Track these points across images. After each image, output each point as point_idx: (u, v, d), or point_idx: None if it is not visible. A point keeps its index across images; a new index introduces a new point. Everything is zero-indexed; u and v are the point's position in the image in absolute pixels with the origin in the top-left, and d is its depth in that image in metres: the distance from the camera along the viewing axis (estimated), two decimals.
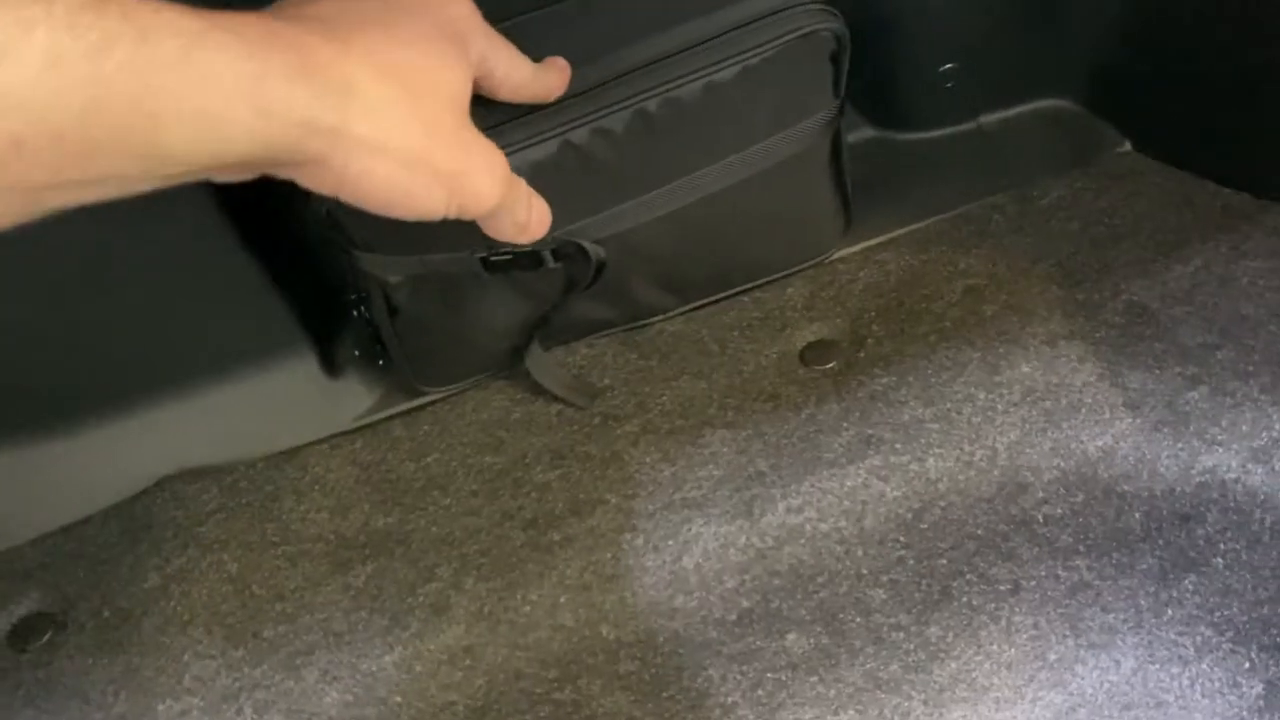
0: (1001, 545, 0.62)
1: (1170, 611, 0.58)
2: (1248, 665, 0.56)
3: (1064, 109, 0.84)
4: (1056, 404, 0.66)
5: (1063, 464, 0.64)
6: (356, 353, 0.75)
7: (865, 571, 0.62)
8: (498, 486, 0.68)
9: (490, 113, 0.54)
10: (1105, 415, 0.65)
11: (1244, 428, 0.63)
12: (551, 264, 0.63)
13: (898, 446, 0.65)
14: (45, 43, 0.29)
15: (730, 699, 0.58)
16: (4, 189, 0.31)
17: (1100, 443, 0.64)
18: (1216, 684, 0.55)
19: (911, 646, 0.58)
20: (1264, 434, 0.62)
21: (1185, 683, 0.56)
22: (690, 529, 0.64)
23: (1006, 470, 0.64)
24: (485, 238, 0.49)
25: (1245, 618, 0.57)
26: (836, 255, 0.76)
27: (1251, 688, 0.55)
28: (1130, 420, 0.64)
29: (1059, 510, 0.63)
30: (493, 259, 0.62)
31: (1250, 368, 0.65)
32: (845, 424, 0.67)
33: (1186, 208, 0.75)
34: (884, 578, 0.61)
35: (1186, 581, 0.59)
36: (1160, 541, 0.61)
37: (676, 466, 0.67)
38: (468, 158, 0.43)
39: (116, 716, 0.61)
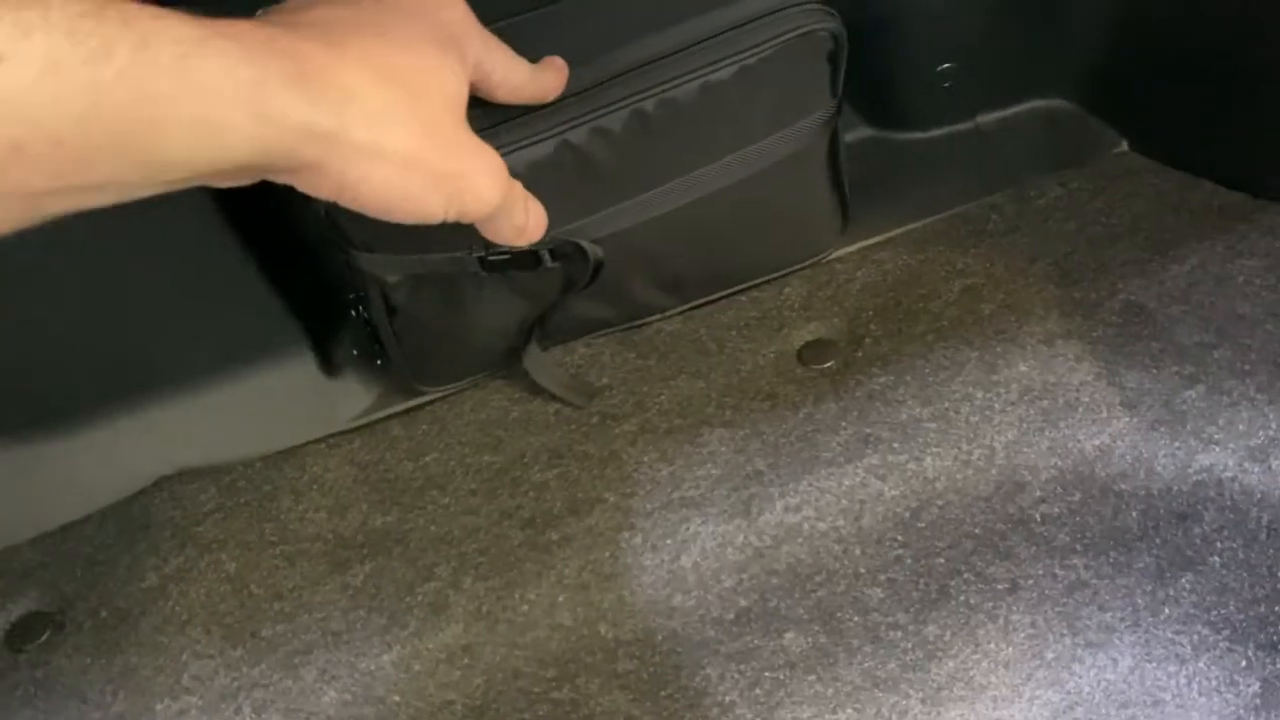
0: (999, 544, 0.62)
1: (1167, 610, 0.58)
2: (1244, 663, 0.56)
3: (1061, 109, 0.84)
4: (1054, 403, 0.66)
5: (1060, 463, 0.64)
6: (355, 352, 0.75)
7: (863, 570, 0.62)
8: (496, 486, 0.68)
9: (487, 113, 0.54)
10: (1102, 414, 0.65)
11: (1241, 427, 0.63)
12: (549, 263, 0.63)
13: (895, 445, 0.66)
14: (44, 48, 0.29)
15: (728, 698, 0.58)
16: (3, 194, 0.31)
17: (1097, 442, 0.64)
18: (1213, 682, 0.55)
19: (909, 645, 0.58)
20: (1260, 433, 0.62)
21: (1182, 681, 0.56)
22: (688, 528, 0.64)
23: (1004, 469, 0.64)
24: (483, 237, 0.49)
25: (1242, 616, 0.57)
26: (834, 255, 0.76)
27: (1248, 686, 0.55)
28: (1127, 419, 0.65)
29: (1056, 509, 0.63)
30: (491, 258, 0.62)
31: (1247, 367, 0.65)
32: (843, 423, 0.67)
33: (1183, 207, 0.75)
34: (882, 576, 0.62)
35: (1183, 580, 0.59)
36: (1157, 540, 0.61)
37: (674, 465, 0.67)
38: (466, 161, 0.44)
39: (115, 716, 0.61)
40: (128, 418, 0.71)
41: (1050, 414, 0.65)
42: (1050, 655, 0.57)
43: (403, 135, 0.40)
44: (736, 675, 0.59)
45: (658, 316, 0.74)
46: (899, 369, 0.69)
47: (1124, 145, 0.81)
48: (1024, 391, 0.67)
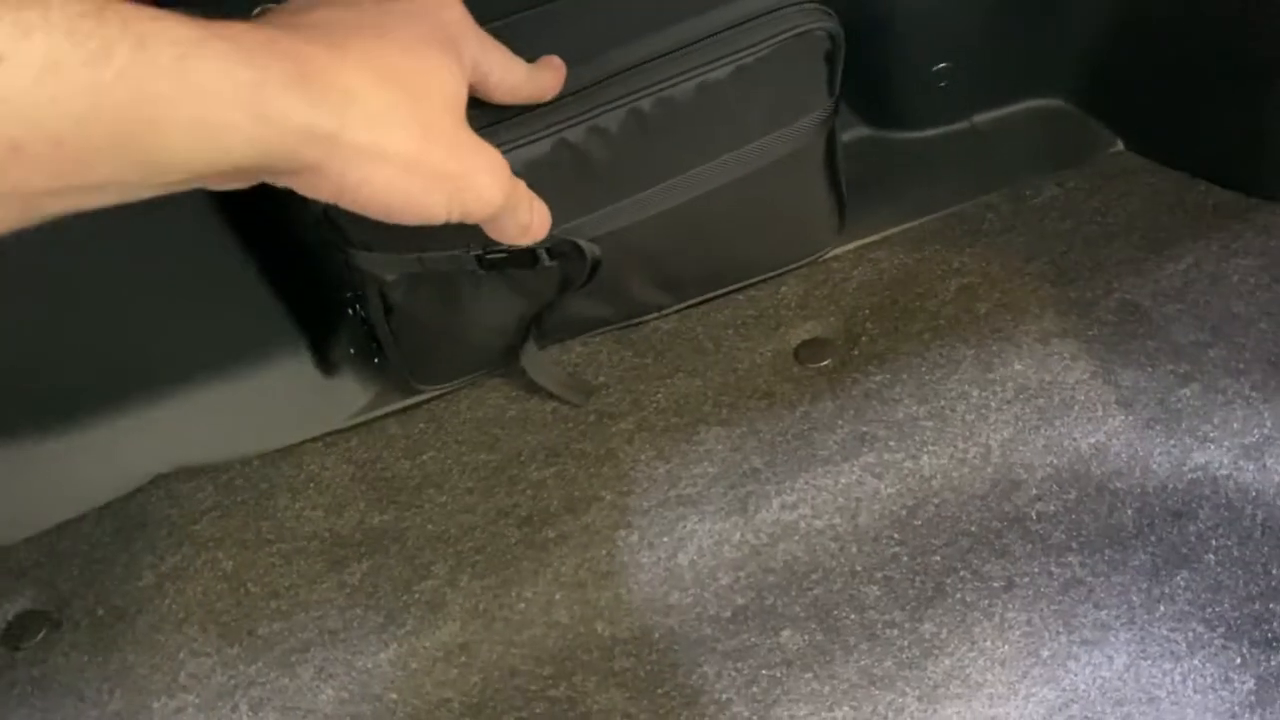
0: (995, 542, 0.62)
1: (1162, 608, 0.58)
2: (1239, 661, 0.56)
3: (1057, 108, 0.84)
4: (1049, 401, 0.66)
5: (1056, 461, 0.64)
6: (352, 351, 0.75)
7: (859, 568, 0.62)
8: (493, 484, 0.68)
9: (484, 112, 0.54)
10: (1098, 413, 0.65)
11: (1235, 425, 0.63)
12: (547, 262, 0.63)
13: (892, 444, 0.66)
14: (44, 48, 0.29)
15: (725, 696, 0.58)
16: (2, 194, 0.31)
17: (1093, 440, 0.64)
18: (1208, 679, 0.56)
19: (906, 643, 0.59)
20: (1255, 431, 0.63)
21: (1177, 678, 0.56)
22: (685, 526, 0.64)
23: (1000, 467, 0.65)
24: (481, 235, 0.49)
25: (1237, 613, 0.57)
26: (831, 254, 0.76)
27: (1243, 683, 0.55)
28: (1123, 417, 0.65)
29: (1052, 507, 0.63)
30: (488, 257, 0.62)
31: (1242, 365, 0.65)
32: (840, 421, 0.67)
33: (1178, 206, 0.76)
34: (878, 574, 0.62)
35: (1178, 578, 0.59)
36: (1152, 538, 0.61)
37: (671, 464, 0.67)
38: (467, 161, 0.44)
39: (112, 714, 0.61)
40: (124, 416, 0.71)
41: (1046, 412, 0.66)
42: (1046, 653, 0.57)
43: (403, 137, 0.40)
44: (733, 673, 0.59)
45: (655, 315, 0.74)
46: (895, 368, 0.69)
47: (1119, 145, 0.81)
48: (1020, 390, 0.67)
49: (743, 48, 0.62)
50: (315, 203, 0.60)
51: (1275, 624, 0.57)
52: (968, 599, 0.60)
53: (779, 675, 0.58)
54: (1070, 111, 0.84)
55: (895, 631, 0.59)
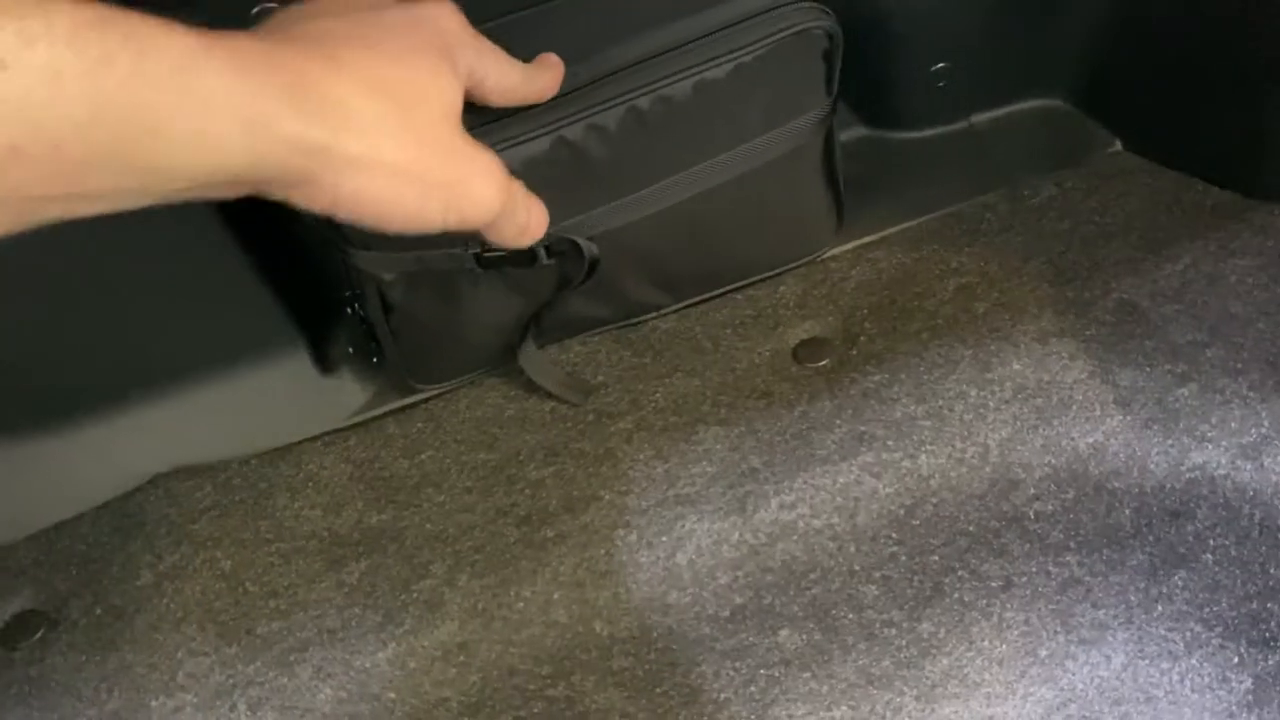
0: (993, 542, 0.62)
1: (1160, 607, 0.58)
2: (1237, 660, 0.56)
3: (1055, 108, 0.84)
4: (1048, 401, 0.66)
5: (1054, 461, 0.64)
6: (350, 350, 0.75)
7: (858, 568, 0.62)
8: (491, 483, 0.68)
9: (482, 111, 0.54)
10: (1096, 412, 0.65)
11: (1233, 425, 0.63)
12: (545, 260, 0.63)
13: (890, 443, 0.66)
14: (46, 57, 0.30)
15: (723, 695, 0.58)
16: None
17: (1091, 439, 0.65)
18: (1206, 679, 0.56)
19: (903, 643, 0.59)
20: (1253, 431, 0.63)
21: (1175, 678, 0.56)
22: (683, 525, 0.64)
23: (998, 467, 0.65)
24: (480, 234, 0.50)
25: (1234, 613, 0.57)
26: (829, 253, 0.76)
27: (1240, 682, 0.55)
28: (1121, 417, 0.65)
29: (1050, 507, 0.63)
30: (486, 255, 0.62)
31: (1239, 365, 0.66)
32: (838, 421, 0.67)
33: (1176, 207, 0.76)
34: (876, 574, 0.62)
35: (1176, 577, 0.59)
36: (1150, 538, 0.61)
37: (670, 463, 0.67)
38: (462, 167, 0.44)
39: (109, 714, 0.61)
40: (123, 415, 0.71)
41: (1044, 412, 0.66)
42: (1044, 652, 0.57)
43: (397, 146, 0.41)
44: (731, 672, 0.59)
45: (653, 315, 0.75)
46: (894, 367, 0.69)
47: (1118, 145, 0.82)
48: (1018, 390, 0.67)
49: (741, 46, 0.62)
50: None
51: (1273, 623, 0.57)
52: (966, 598, 0.60)
53: (777, 674, 0.58)
54: (1068, 111, 0.84)
55: (893, 631, 0.59)
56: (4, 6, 0.29)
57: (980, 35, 0.79)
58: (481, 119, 0.55)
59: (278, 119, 0.36)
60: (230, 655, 0.62)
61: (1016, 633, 0.58)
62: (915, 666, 0.58)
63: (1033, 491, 0.64)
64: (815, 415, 0.68)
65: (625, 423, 0.70)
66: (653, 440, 0.68)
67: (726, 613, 0.61)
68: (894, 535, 0.63)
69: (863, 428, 0.67)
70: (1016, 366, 0.68)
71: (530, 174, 0.51)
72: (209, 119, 0.34)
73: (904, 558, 0.62)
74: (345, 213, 0.41)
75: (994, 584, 0.60)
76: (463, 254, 0.62)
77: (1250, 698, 0.55)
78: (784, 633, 0.60)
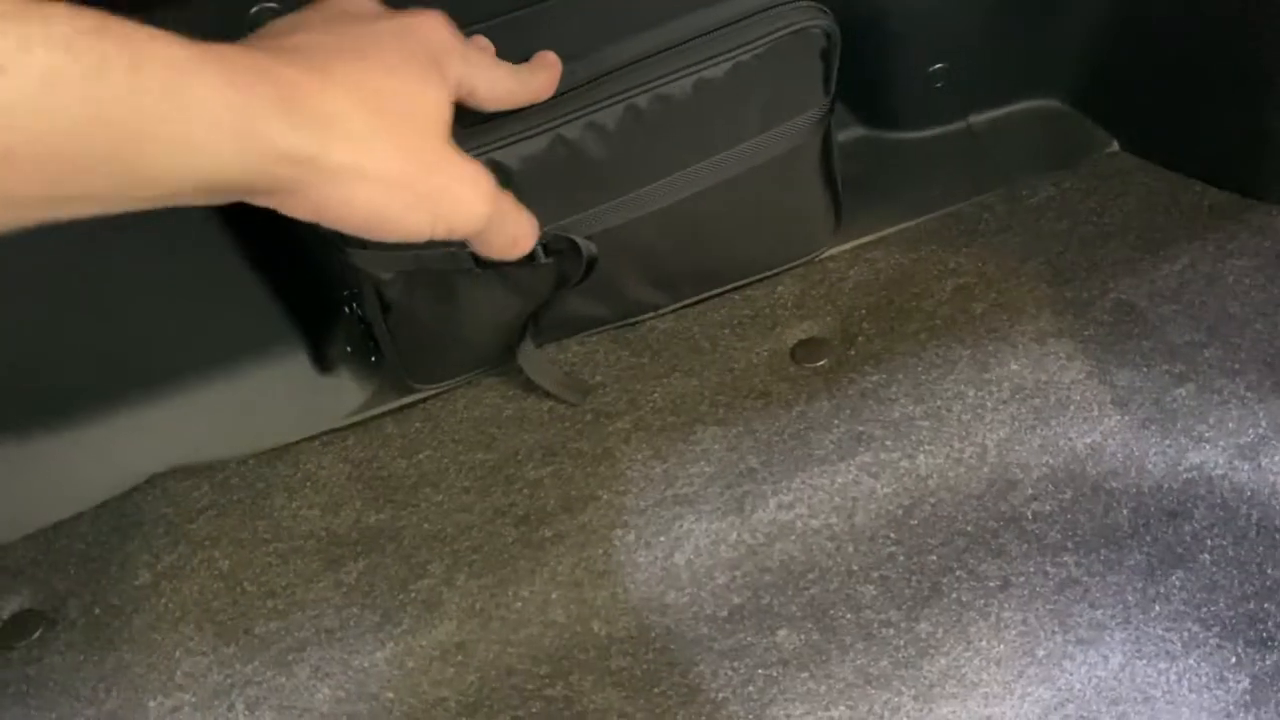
0: (991, 542, 0.62)
1: (1158, 607, 0.58)
2: (1234, 660, 0.56)
3: (1053, 109, 0.84)
4: (1045, 401, 0.66)
5: (1051, 461, 0.64)
6: (348, 349, 0.75)
7: (856, 568, 0.62)
8: (489, 483, 0.68)
9: (479, 111, 0.54)
10: (1094, 412, 0.65)
11: (1231, 425, 0.63)
12: (543, 259, 0.63)
13: (888, 443, 0.66)
14: (44, 62, 0.30)
15: (721, 695, 0.58)
16: None
17: (1089, 440, 0.65)
18: (1203, 679, 0.56)
19: (901, 643, 0.59)
20: (1250, 431, 0.63)
21: (1172, 678, 0.56)
22: (682, 525, 0.64)
23: (996, 467, 0.65)
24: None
25: (1232, 613, 0.58)
26: (827, 253, 0.76)
27: (1238, 682, 0.55)
28: (1118, 417, 0.65)
29: (1048, 507, 0.63)
30: None
31: (1237, 365, 0.66)
32: (836, 421, 0.67)
33: (1174, 207, 0.76)
34: (874, 574, 0.62)
35: (1174, 577, 0.59)
36: (1148, 538, 0.61)
37: (668, 463, 0.67)
38: (450, 178, 0.44)
39: (107, 713, 0.61)
40: (121, 415, 0.71)
41: (1042, 412, 0.66)
42: (1041, 652, 0.57)
43: (383, 157, 0.41)
44: (729, 672, 0.59)
45: (651, 314, 0.75)
46: (892, 367, 0.69)
47: (1115, 145, 0.82)
48: (1016, 390, 0.67)
49: (739, 45, 0.62)
50: None
51: (1270, 623, 0.57)
52: (964, 598, 0.60)
53: (775, 674, 0.58)
54: (1067, 112, 0.84)
55: (891, 631, 0.59)
56: (4, 11, 0.29)
57: (979, 35, 0.79)
58: (478, 119, 0.55)
59: (268, 129, 0.37)
60: (228, 655, 0.62)
61: (1014, 633, 0.58)
62: (913, 666, 0.58)
63: (1030, 492, 0.64)
64: (813, 415, 0.68)
65: (623, 422, 0.70)
66: (651, 440, 0.68)
67: (724, 613, 0.61)
68: (892, 535, 0.63)
69: (861, 428, 0.67)
70: (1014, 367, 0.68)
71: (528, 172, 0.52)
72: (200, 128, 0.35)
73: (902, 558, 0.62)
74: (333, 221, 0.41)
75: (992, 584, 0.60)
76: (461, 253, 0.62)
77: (1248, 697, 0.55)
78: (782, 633, 0.60)
